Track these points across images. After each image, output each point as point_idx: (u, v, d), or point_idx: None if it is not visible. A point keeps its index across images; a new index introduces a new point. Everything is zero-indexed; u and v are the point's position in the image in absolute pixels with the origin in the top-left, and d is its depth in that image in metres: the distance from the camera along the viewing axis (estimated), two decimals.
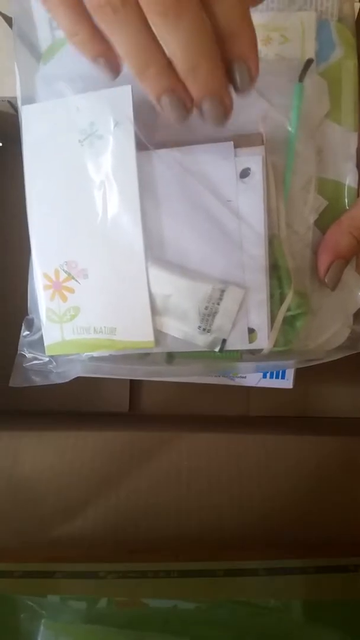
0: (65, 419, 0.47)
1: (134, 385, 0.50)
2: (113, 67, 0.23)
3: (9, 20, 0.36)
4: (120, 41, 0.21)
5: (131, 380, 0.49)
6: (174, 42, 0.20)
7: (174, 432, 0.39)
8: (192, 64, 0.21)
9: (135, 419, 0.49)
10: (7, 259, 0.49)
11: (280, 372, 0.44)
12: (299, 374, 0.44)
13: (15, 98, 0.36)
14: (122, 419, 0.49)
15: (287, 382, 0.44)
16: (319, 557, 0.35)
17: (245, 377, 0.45)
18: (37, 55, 0.33)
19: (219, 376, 0.45)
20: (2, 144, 0.48)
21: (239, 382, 0.45)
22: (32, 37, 0.32)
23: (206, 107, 0.22)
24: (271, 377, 0.44)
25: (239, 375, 0.44)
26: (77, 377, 0.46)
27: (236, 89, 0.23)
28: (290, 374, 0.44)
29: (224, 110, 0.23)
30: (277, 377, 0.44)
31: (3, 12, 0.37)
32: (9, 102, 0.39)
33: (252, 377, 0.44)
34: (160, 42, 0.21)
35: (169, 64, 0.21)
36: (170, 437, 0.38)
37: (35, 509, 0.36)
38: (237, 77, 0.22)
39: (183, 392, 0.49)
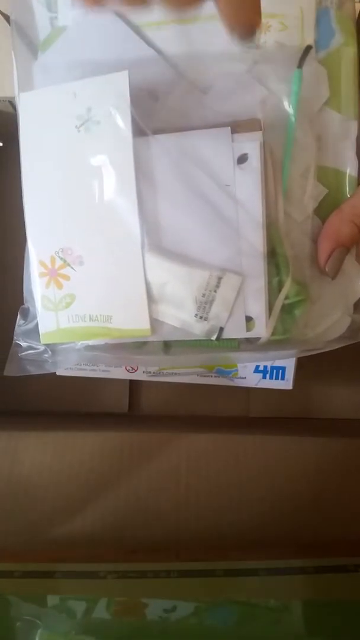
0: (65, 419, 0.47)
1: (134, 386, 0.50)
2: None
3: (7, 18, 0.36)
4: None
5: (131, 381, 0.49)
6: None
7: (174, 432, 0.39)
8: None
9: (135, 419, 0.49)
10: (7, 257, 0.49)
11: (280, 372, 0.44)
12: (299, 374, 0.44)
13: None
14: (122, 419, 0.49)
15: (287, 383, 0.44)
16: (319, 557, 0.35)
17: (245, 378, 0.45)
18: (33, 49, 0.33)
19: (219, 376, 0.45)
20: (2, 144, 0.48)
21: (238, 382, 0.45)
22: (30, 30, 0.32)
23: None
24: (271, 377, 0.44)
25: (239, 376, 0.44)
26: (77, 377, 0.46)
27: None
28: (290, 374, 0.44)
29: None
30: (277, 378, 0.44)
31: (3, 11, 0.37)
32: (10, 102, 0.39)
33: (251, 378, 0.44)
34: None
35: None
36: (169, 437, 0.38)
37: (35, 509, 0.36)
38: None
39: (183, 393, 0.49)
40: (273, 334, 0.31)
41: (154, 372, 0.45)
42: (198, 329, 0.31)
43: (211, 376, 0.45)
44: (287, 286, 0.30)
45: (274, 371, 0.44)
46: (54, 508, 0.36)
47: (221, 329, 0.31)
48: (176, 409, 0.50)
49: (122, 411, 0.50)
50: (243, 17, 0.22)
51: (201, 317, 0.30)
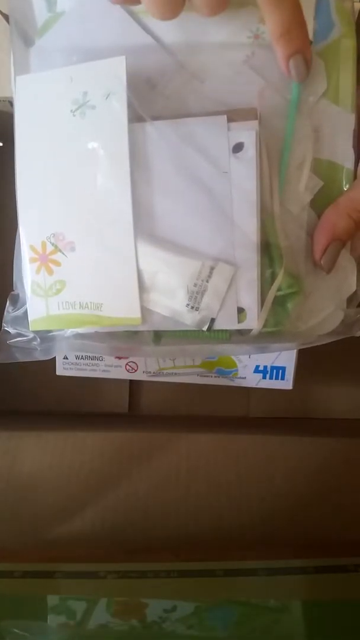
0: (65, 419, 0.47)
1: (134, 386, 0.50)
2: None
3: (5, 17, 0.36)
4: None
5: (131, 381, 0.49)
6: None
7: (174, 432, 0.39)
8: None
9: (134, 419, 0.49)
10: (7, 257, 0.49)
11: (280, 372, 0.44)
12: (299, 374, 0.44)
13: None
14: (122, 420, 0.49)
15: (287, 383, 0.44)
16: (319, 557, 0.35)
17: (245, 378, 0.45)
18: (29, 39, 0.33)
19: (219, 377, 0.45)
20: (2, 144, 0.48)
21: (238, 382, 0.45)
22: (27, 21, 0.32)
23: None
24: (271, 377, 0.44)
25: (239, 376, 0.44)
26: (77, 377, 0.46)
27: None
28: (290, 374, 0.44)
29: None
30: (277, 378, 0.44)
31: (3, 11, 0.37)
32: (10, 102, 0.39)
33: (252, 378, 0.44)
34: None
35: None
36: (169, 437, 0.38)
37: (34, 509, 0.36)
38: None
39: (183, 393, 0.49)
40: (265, 326, 0.30)
41: (154, 372, 0.45)
42: (189, 319, 0.30)
43: (211, 376, 0.45)
44: (280, 278, 0.30)
45: (274, 371, 0.44)
46: (54, 508, 0.36)
47: (212, 320, 0.30)
48: (176, 409, 0.50)
49: (122, 411, 0.50)
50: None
51: (192, 307, 0.30)
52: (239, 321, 0.30)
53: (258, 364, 0.44)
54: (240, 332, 0.31)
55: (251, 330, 0.31)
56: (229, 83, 0.31)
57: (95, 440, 0.38)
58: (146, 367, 0.45)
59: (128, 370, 0.45)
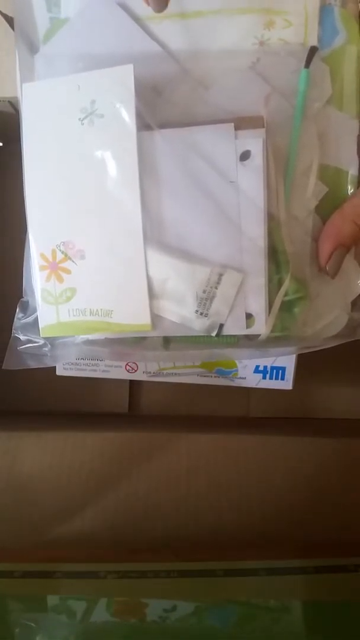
0: (65, 419, 0.47)
1: (134, 386, 0.50)
2: None
3: (9, 20, 0.36)
4: None
5: (131, 381, 0.49)
6: None
7: (174, 432, 0.39)
8: None
9: (134, 419, 0.49)
10: (6, 254, 0.49)
11: (280, 373, 0.44)
12: (299, 374, 0.44)
13: (15, 98, 0.36)
14: (122, 420, 0.49)
15: (287, 383, 0.44)
16: (319, 557, 0.35)
17: (245, 378, 0.45)
18: (35, 46, 0.33)
19: (219, 377, 0.45)
20: (2, 144, 0.48)
21: (238, 383, 0.45)
22: (30, 26, 0.32)
23: None
24: (271, 378, 0.44)
25: (239, 376, 0.44)
26: (77, 377, 0.46)
27: None
28: (290, 374, 0.44)
29: None
30: (277, 378, 0.44)
31: (3, 11, 0.37)
32: (10, 102, 0.39)
33: (252, 378, 0.44)
34: None
35: None
36: (169, 437, 0.38)
37: (34, 509, 0.36)
38: None
39: (183, 393, 0.49)
40: (272, 331, 0.31)
41: (154, 372, 0.45)
42: (198, 325, 0.31)
43: (211, 376, 0.45)
44: (287, 283, 0.30)
45: (274, 371, 0.44)
46: (54, 508, 0.36)
47: (221, 326, 0.31)
48: (176, 409, 0.50)
49: (122, 411, 0.50)
50: None
51: (201, 314, 0.31)
52: (248, 326, 0.31)
53: (258, 364, 0.44)
54: (248, 337, 0.32)
55: (259, 335, 0.31)
56: (234, 89, 0.31)
57: (95, 440, 0.38)
58: (146, 367, 0.45)
59: (128, 371, 0.45)
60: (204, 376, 0.45)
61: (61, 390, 0.49)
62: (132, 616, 0.33)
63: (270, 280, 0.31)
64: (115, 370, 0.45)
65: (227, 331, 0.31)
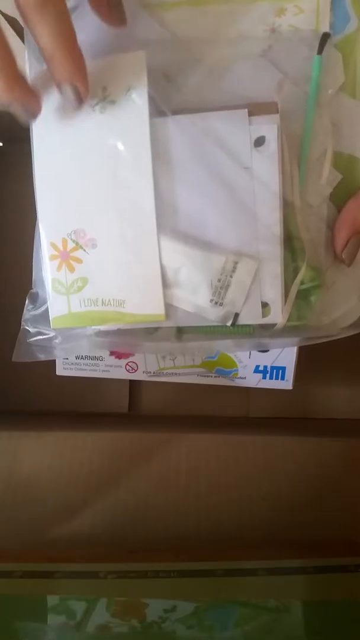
0: (65, 419, 0.47)
1: (134, 386, 0.50)
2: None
3: (9, 20, 0.36)
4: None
5: (131, 381, 0.49)
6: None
7: (174, 432, 0.39)
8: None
9: (134, 419, 0.49)
10: (7, 257, 0.49)
11: (280, 372, 0.44)
12: (299, 374, 0.44)
13: None
14: (122, 420, 0.49)
15: (287, 383, 0.44)
16: (319, 557, 0.35)
17: (245, 378, 0.45)
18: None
19: (219, 377, 0.45)
20: (2, 144, 0.49)
21: (238, 382, 0.45)
22: None
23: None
24: (271, 377, 0.44)
25: (239, 376, 0.44)
26: (77, 377, 0.46)
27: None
28: (290, 374, 0.44)
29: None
30: (277, 378, 0.44)
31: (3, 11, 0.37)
32: None
33: (252, 378, 0.44)
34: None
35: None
36: (169, 437, 0.38)
37: (34, 509, 0.36)
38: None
39: (183, 393, 0.49)
40: (289, 320, 0.30)
41: (154, 372, 0.45)
42: (213, 315, 0.30)
43: (211, 376, 0.45)
44: (303, 271, 0.30)
45: (274, 371, 0.44)
46: (54, 508, 0.36)
47: (236, 315, 0.30)
48: (176, 409, 0.50)
49: (122, 411, 0.50)
50: None
51: (216, 303, 0.30)
52: (263, 316, 0.30)
53: (258, 364, 0.44)
54: (263, 327, 0.31)
55: (275, 324, 0.31)
56: (246, 76, 0.30)
57: (95, 440, 0.38)
58: (146, 367, 0.45)
59: (128, 370, 0.45)
60: (204, 376, 0.45)
61: (61, 390, 0.49)
62: (132, 616, 0.33)
63: (285, 268, 0.30)
64: (115, 370, 0.45)
65: (242, 320, 0.30)
